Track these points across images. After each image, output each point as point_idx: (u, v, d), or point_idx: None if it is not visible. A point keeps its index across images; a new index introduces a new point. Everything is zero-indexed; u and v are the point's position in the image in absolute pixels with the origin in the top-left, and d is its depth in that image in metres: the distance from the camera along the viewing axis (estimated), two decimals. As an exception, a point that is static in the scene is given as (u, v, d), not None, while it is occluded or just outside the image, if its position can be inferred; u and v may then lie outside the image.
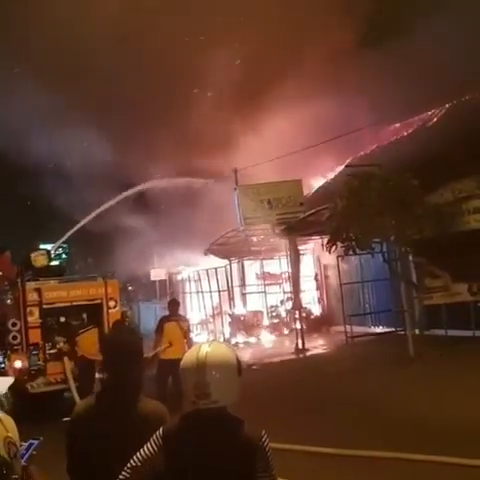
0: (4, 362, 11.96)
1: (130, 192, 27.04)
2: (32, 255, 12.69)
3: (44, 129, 27.16)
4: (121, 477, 2.83)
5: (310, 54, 24.20)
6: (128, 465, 2.83)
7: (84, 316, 12.44)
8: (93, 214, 26.42)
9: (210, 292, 24.94)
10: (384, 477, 7.03)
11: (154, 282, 28.50)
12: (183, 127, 25.97)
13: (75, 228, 25.80)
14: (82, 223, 26.40)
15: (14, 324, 11.64)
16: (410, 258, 15.67)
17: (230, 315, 23.01)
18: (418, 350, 14.07)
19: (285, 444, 7.56)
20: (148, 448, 2.83)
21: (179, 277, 27.19)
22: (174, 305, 11.47)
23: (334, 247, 14.89)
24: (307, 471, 7.25)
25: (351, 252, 14.92)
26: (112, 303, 12.37)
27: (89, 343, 11.13)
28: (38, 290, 11.87)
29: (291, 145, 22.11)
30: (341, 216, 13.83)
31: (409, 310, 15.31)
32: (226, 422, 2.87)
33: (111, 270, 13.86)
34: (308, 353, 17.79)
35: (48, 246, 17.34)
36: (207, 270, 24.75)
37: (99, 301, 12.32)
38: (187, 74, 26.57)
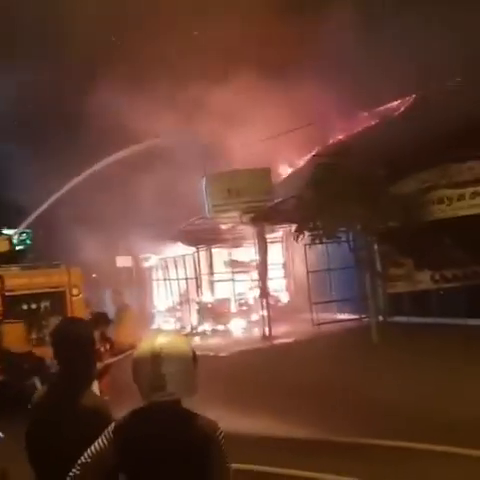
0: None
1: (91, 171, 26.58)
2: None
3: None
4: (71, 474, 2.77)
5: (278, 38, 24.03)
6: (78, 462, 2.77)
7: (47, 304, 12.31)
8: (53, 197, 26.03)
9: (177, 280, 24.88)
10: (356, 462, 7.12)
11: (121, 269, 28.25)
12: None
13: (35, 214, 25.34)
14: (44, 207, 25.98)
15: (-26, 312, 11.48)
16: (375, 247, 15.83)
17: (198, 303, 23.00)
18: (381, 337, 14.31)
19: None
20: (99, 443, 2.78)
21: (146, 264, 27.04)
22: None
23: (301, 236, 15.00)
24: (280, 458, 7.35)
25: (318, 241, 15.05)
26: (75, 291, 12.27)
27: (13, 336, 10.93)
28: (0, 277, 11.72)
29: (261, 133, 22.05)
30: (307, 205, 13.91)
31: (373, 298, 15.51)
32: (181, 414, 2.82)
33: (75, 257, 13.67)
34: (275, 340, 17.91)
35: (10, 231, 17.02)
36: (174, 258, 24.67)
37: (62, 289, 12.21)
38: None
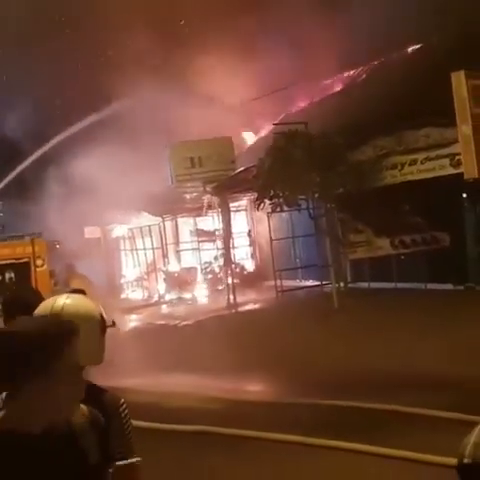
0: None
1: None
2: None
3: None
4: None
5: (246, 5, 23.94)
6: None
7: (12, 275, 12.44)
8: (22, 166, 25.84)
9: (144, 250, 25.04)
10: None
11: (89, 240, 28.27)
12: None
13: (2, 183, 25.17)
14: (11, 176, 25.79)
15: None
16: (335, 214, 16.18)
17: (164, 272, 23.23)
18: (342, 302, 14.72)
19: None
20: None
21: (113, 235, 27.10)
22: None
23: (262, 204, 15.25)
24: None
25: (278, 209, 15.32)
26: (39, 261, 12.44)
27: None
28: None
29: (225, 100, 22.09)
30: (267, 174, 14.14)
31: (334, 264, 15.89)
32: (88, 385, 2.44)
33: (39, 230, 13.79)
34: (239, 308, 18.26)
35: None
36: (141, 228, 24.78)
37: (26, 260, 12.36)
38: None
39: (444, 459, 4.95)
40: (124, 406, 2.59)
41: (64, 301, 2.52)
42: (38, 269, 12.34)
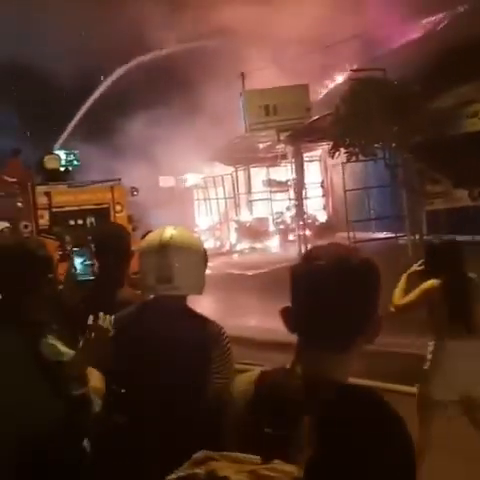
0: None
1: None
2: (45, 158, 13.15)
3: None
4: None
5: None
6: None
7: (92, 220, 12.86)
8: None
9: (217, 199, 25.29)
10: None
11: (164, 189, 28.76)
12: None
13: (68, 129, 25.95)
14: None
15: (26, 226, 12.11)
16: (412, 164, 15.82)
17: (236, 222, 23.46)
18: (417, 255, 14.48)
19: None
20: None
21: (187, 184, 27.47)
22: None
23: (337, 153, 15.07)
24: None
25: (354, 158, 15.11)
26: (118, 207, 12.80)
27: None
28: (48, 194, 12.30)
29: (303, 47, 21.62)
30: (343, 121, 13.92)
31: (410, 216, 15.64)
32: (185, 312, 2.64)
33: (118, 176, 14.16)
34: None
35: (60, 151, 17.72)
36: (214, 177, 24.99)
37: (106, 205, 12.75)
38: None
39: None
40: (226, 335, 2.67)
41: (172, 232, 2.64)
42: (117, 214, 12.71)
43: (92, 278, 3.96)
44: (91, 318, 2.49)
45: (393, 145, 14.43)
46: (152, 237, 2.67)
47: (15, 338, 2.46)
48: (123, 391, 2.55)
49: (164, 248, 2.58)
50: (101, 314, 2.49)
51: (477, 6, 17.81)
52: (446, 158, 14.52)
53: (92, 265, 3.98)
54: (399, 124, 13.61)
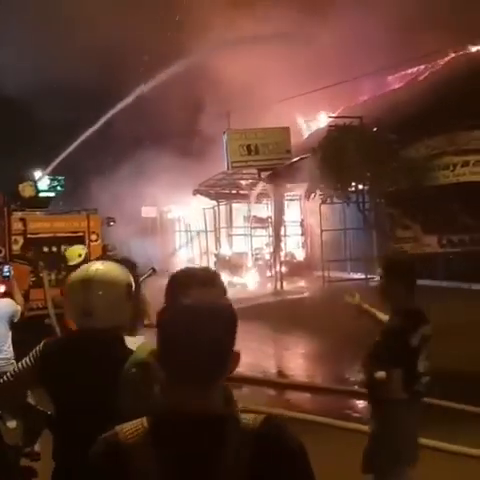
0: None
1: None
2: (20, 186, 13.28)
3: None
4: (1, 380, 2.79)
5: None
6: (11, 372, 2.80)
7: (67, 247, 13.02)
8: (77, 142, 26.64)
9: (198, 232, 25.61)
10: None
11: (146, 219, 29.03)
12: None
13: (58, 159, 26.08)
14: (66, 153, 26.70)
15: (-1, 251, 12.25)
16: (384, 209, 16.24)
17: (216, 255, 23.72)
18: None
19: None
20: (29, 357, 2.75)
21: (169, 216, 27.79)
22: None
23: (313, 195, 15.48)
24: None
25: (329, 200, 15.52)
26: (94, 236, 12.99)
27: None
28: (23, 220, 12.49)
29: (287, 91, 22.28)
30: (319, 165, 14.35)
31: (380, 259, 15.94)
32: (106, 342, 2.68)
33: (94, 206, 14.40)
34: (286, 295, 18.55)
35: (39, 175, 17.81)
36: (196, 210, 25.34)
37: (81, 234, 12.94)
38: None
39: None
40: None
41: (98, 267, 2.77)
42: (92, 243, 12.87)
43: None
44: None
45: (366, 190, 14.86)
46: (79, 271, 2.79)
47: None
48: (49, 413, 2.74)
49: (87, 282, 2.69)
50: None
51: (453, 62, 18.50)
52: (418, 206, 14.98)
53: None
54: (372, 171, 14.05)
